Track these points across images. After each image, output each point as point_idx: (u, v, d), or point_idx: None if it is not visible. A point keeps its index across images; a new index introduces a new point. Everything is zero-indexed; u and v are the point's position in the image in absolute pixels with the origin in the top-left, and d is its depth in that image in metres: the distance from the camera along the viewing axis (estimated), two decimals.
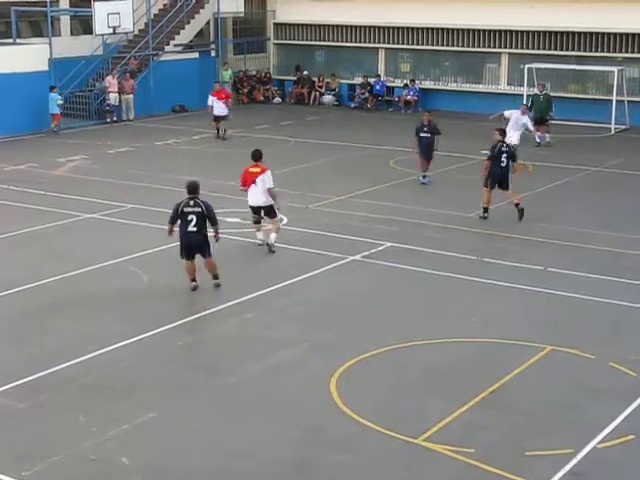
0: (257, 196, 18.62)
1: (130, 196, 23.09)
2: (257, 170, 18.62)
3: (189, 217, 16.04)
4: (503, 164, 20.75)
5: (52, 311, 15.58)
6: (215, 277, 16.56)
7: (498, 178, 20.81)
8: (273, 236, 18.86)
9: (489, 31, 36.98)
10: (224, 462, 10.89)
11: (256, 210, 18.86)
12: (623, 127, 33.42)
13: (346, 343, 14.21)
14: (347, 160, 27.82)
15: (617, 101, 33.18)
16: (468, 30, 37.34)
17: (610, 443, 11.20)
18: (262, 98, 41.26)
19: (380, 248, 18.92)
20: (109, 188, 24.09)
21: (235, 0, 40.05)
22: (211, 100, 31.45)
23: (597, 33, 34.89)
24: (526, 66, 34.73)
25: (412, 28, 38.48)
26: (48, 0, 33.66)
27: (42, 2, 33.84)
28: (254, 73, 42.00)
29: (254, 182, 18.53)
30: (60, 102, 32.67)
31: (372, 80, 39.45)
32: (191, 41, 39.60)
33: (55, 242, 19.72)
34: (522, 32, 36.31)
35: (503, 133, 21.50)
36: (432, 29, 38.09)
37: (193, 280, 16.40)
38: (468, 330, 14.76)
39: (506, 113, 27.51)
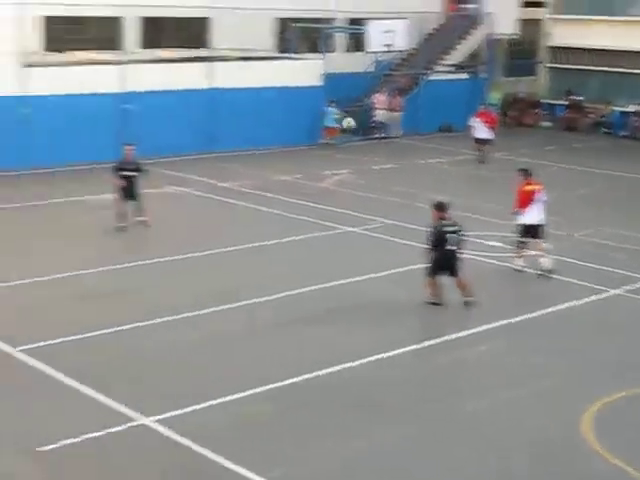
0: (534, 214, 18.34)
1: (391, 212, 23.25)
2: (533, 188, 18.34)
3: (447, 236, 16.13)
4: None
5: (308, 321, 15.86)
6: (467, 296, 16.41)
7: None
8: (547, 261, 18.38)
9: None
10: None
11: (529, 229, 18.41)
12: None
13: (603, 378, 13.62)
14: (613, 190, 26.83)
15: None
16: None
17: None
18: (530, 122, 40.59)
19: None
20: (371, 203, 24.40)
21: (510, 22, 39.59)
22: (473, 121, 31.20)
23: None
24: None
25: None
26: (326, 17, 34.61)
27: (319, 19, 34.85)
28: (523, 96, 41.40)
29: (532, 200, 18.24)
30: (337, 116, 33.86)
31: None
32: (462, 62, 39.55)
33: (314, 253, 20.12)
34: None
35: None
36: None
37: (435, 296, 16.38)
38: None
39: None
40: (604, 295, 17.45)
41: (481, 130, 30.79)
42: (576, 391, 13.25)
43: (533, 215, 18.37)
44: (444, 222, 16.27)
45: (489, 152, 30.97)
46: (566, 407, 12.70)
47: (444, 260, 16.24)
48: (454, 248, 16.22)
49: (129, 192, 20.70)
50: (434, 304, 16.39)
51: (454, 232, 16.20)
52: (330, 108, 33.89)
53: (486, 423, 12.24)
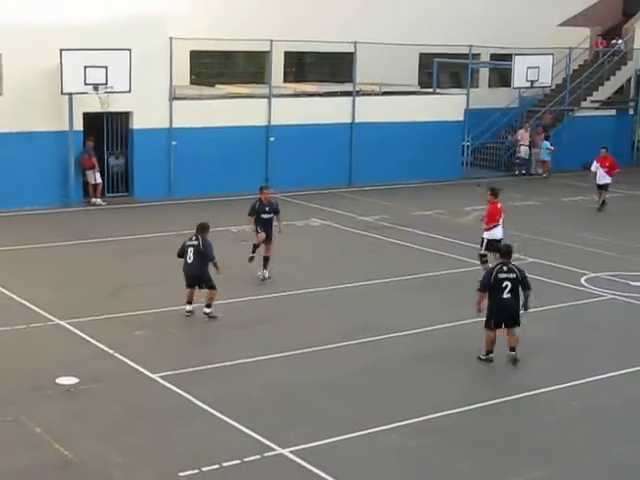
0: (499, 230, 19.92)
1: (532, 250, 22.86)
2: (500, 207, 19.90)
3: (504, 284, 15.06)
4: None
5: (446, 356, 15.71)
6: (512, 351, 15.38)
7: None
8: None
9: None
10: None
11: (494, 244, 19.21)
12: None
13: None
14: None
15: None
16: None
17: None
18: None
19: None
20: (510, 241, 23.99)
21: None
22: (595, 167, 29.13)
23: None
24: None
25: None
26: (470, 53, 34.50)
27: (463, 55, 34.75)
28: None
29: (500, 217, 19.93)
30: (551, 149, 34.73)
31: None
32: (609, 98, 38.76)
33: (452, 289, 19.92)
34: None
35: None
36: None
37: (486, 350, 15.44)
38: None
39: None
40: None
41: (602, 176, 28.85)
42: None
43: (499, 231, 19.74)
44: (501, 267, 15.10)
45: (606, 200, 28.95)
46: None
47: (497, 309, 15.15)
48: (509, 296, 15.04)
49: (267, 234, 19.78)
50: (481, 359, 15.37)
51: (510, 279, 14.99)
52: (544, 142, 34.83)
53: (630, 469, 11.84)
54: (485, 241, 19.95)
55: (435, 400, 13.74)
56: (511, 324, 15.20)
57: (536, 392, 14.17)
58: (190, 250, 17.06)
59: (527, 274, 15.44)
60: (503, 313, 15.13)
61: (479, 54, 36.87)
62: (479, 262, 19.98)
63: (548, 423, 13.19)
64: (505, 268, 15.09)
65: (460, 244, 23.28)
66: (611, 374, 14.98)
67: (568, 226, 26.07)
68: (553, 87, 37.29)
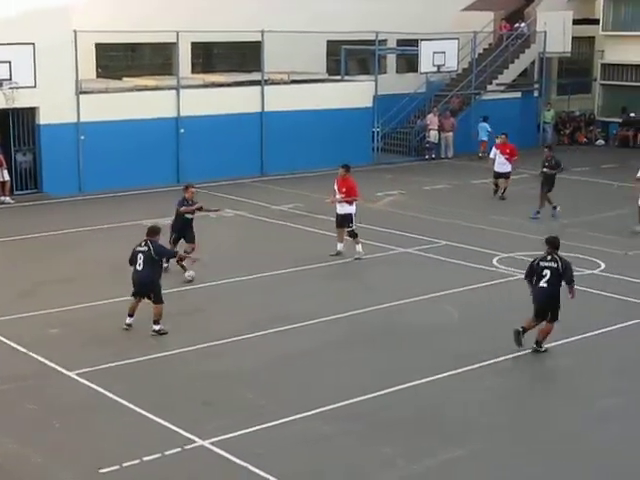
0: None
1: (444, 233, 23.19)
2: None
3: (544, 272, 15.15)
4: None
5: (362, 341, 15.89)
6: (539, 342, 15.36)
7: None
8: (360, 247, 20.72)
9: None
10: None
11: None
12: None
13: None
14: None
15: None
16: None
17: None
18: (585, 140, 40.29)
19: None
20: (424, 224, 24.36)
21: (562, 40, 39.32)
22: (494, 153, 28.34)
23: None
24: None
25: None
26: (376, 39, 34.72)
27: (370, 41, 34.95)
28: (577, 114, 41.13)
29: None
30: (490, 131, 34.76)
31: None
32: (514, 80, 39.40)
33: (368, 274, 20.18)
34: None
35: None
36: None
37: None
38: None
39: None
40: None
41: (502, 163, 27.84)
42: None
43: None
44: (545, 256, 15.19)
45: (506, 188, 28.25)
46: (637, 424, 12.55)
47: (534, 297, 15.26)
48: (545, 286, 15.08)
49: (187, 233, 19.53)
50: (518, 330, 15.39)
51: (550, 268, 15.02)
52: (483, 124, 35.30)
53: (553, 439, 12.14)
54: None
55: (354, 385, 13.87)
56: (541, 317, 15.17)
57: (451, 373, 14.40)
58: (140, 257, 15.93)
59: (572, 267, 15.28)
60: (535, 302, 15.18)
61: (386, 40, 37.09)
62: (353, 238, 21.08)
63: (464, 402, 13.42)
64: (549, 257, 15.11)
65: (372, 229, 23.46)
66: (519, 353, 15.28)
67: (478, 208, 26.48)
68: (459, 71, 37.74)
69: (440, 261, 20.92)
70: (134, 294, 16.14)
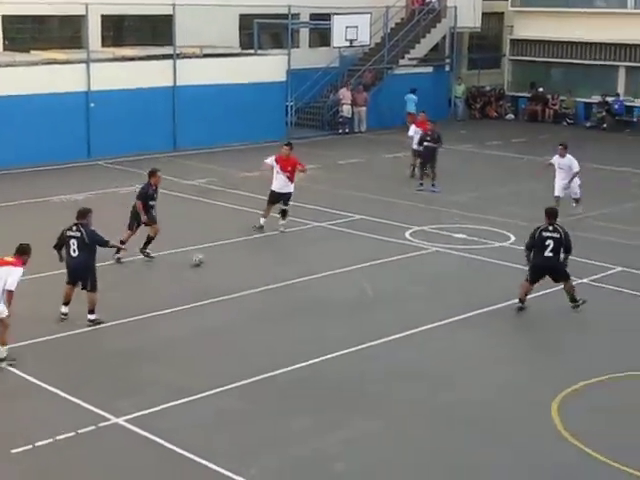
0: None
1: (358, 207, 23.33)
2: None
3: (547, 242, 15.86)
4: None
5: (278, 315, 15.95)
6: (572, 301, 16.21)
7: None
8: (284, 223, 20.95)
9: None
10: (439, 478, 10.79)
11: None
12: None
13: (568, 368, 13.80)
14: (583, 181, 27.02)
15: None
16: None
17: None
18: (495, 114, 40.85)
19: (610, 272, 18.29)
20: (338, 198, 24.46)
21: (473, 15, 39.76)
22: (413, 131, 27.35)
23: None
24: None
25: None
26: (289, 13, 34.61)
27: (283, 15, 34.83)
28: (487, 89, 41.65)
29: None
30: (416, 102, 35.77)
31: (610, 99, 38.23)
32: (426, 55, 39.69)
33: (284, 248, 20.23)
34: None
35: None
36: None
37: (521, 298, 16.27)
38: None
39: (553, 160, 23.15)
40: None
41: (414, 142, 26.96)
42: (547, 380, 13.38)
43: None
44: (546, 227, 15.96)
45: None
46: (534, 396, 12.83)
47: (539, 265, 15.96)
48: (550, 255, 15.82)
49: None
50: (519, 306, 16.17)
51: (553, 238, 15.80)
52: (410, 95, 36.07)
53: (461, 413, 12.34)
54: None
55: (271, 359, 13.93)
56: (557, 278, 16.10)
57: (366, 345, 14.54)
58: (73, 242, 15.10)
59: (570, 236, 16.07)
60: (545, 270, 15.94)
61: (299, 14, 37.00)
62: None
63: (378, 375, 13.57)
64: (550, 228, 15.90)
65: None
66: (431, 325, 15.50)
67: (391, 182, 26.68)
68: (372, 46, 37.90)
69: (354, 235, 21.05)
70: (68, 281, 15.33)
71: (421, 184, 25.61)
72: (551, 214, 16.18)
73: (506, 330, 15.50)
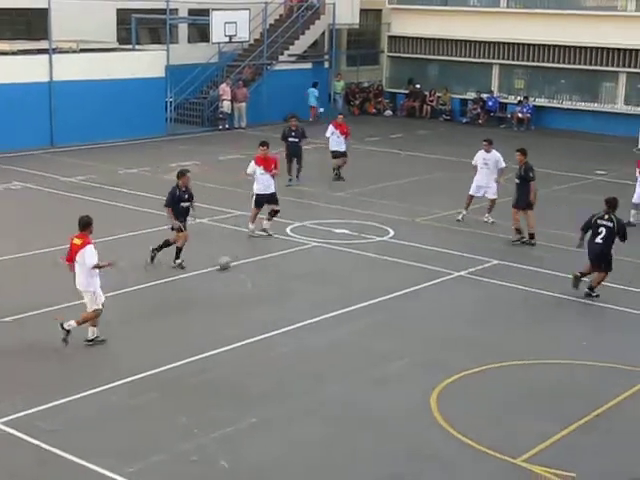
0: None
1: (239, 203, 23.30)
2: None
3: (600, 229, 16.66)
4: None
5: (166, 312, 15.85)
6: (593, 288, 16.94)
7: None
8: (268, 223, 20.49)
9: (608, 49, 36.27)
10: (318, 474, 10.91)
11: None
12: None
13: (449, 359, 14.10)
14: (457, 175, 27.57)
15: None
16: (585, 48, 36.70)
17: None
18: (374, 110, 41.34)
19: (486, 265, 18.74)
20: (219, 194, 24.41)
21: (351, 12, 40.20)
22: (330, 131, 26.84)
23: None
24: None
25: (527, 44, 38.02)
26: (167, 8, 34.36)
27: (161, 10, 34.55)
28: (366, 85, 42.12)
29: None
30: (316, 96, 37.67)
31: (485, 96, 39.15)
32: (305, 51, 39.92)
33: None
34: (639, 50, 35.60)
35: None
36: (548, 46, 37.56)
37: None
38: (576, 353, 14.49)
39: (473, 161, 22.52)
40: (445, 278, 17.99)
41: (340, 142, 26.66)
42: (427, 371, 13.66)
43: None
44: (602, 215, 16.74)
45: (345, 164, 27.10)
46: (415, 387, 13.10)
47: (589, 250, 16.83)
48: (599, 242, 16.58)
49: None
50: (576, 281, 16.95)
51: (606, 227, 16.57)
52: (312, 89, 37.12)
53: (341, 407, 12.51)
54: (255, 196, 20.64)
55: (156, 355, 13.87)
56: (596, 267, 16.77)
57: (248, 341, 14.59)
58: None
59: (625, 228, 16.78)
60: (590, 254, 16.79)
61: (177, 9, 36.78)
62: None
63: (261, 369, 13.65)
64: (606, 217, 16.69)
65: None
66: (317, 319, 15.66)
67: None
68: (252, 42, 37.94)
69: (236, 231, 21.06)
70: None
71: (290, 179, 25.73)
72: (610, 204, 16.82)
73: (386, 323, 15.75)
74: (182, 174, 18.40)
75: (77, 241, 14.24)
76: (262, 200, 20.50)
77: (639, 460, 11.25)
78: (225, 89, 35.80)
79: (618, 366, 13.93)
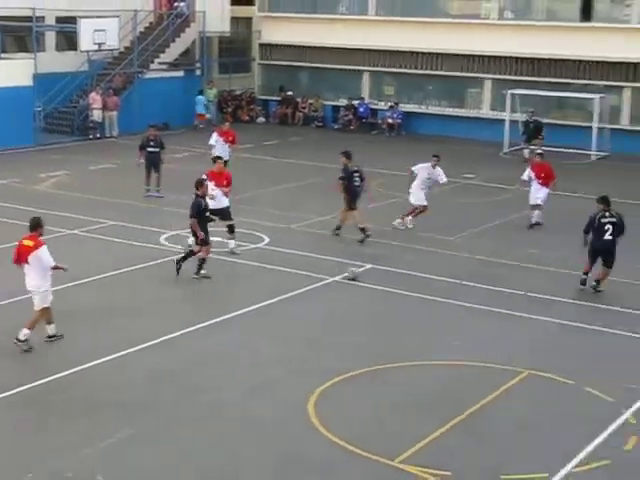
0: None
1: (111, 213, 23.06)
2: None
3: (606, 227, 17.57)
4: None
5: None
6: (599, 285, 17.82)
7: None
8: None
9: (473, 56, 37.21)
10: None
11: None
12: (604, 154, 33.68)
13: (326, 363, 14.25)
14: (330, 181, 27.82)
15: (598, 128, 33.43)
16: (452, 55, 37.55)
17: (585, 468, 11.28)
18: (246, 118, 41.39)
19: (361, 270, 18.98)
20: (90, 205, 24.06)
21: (221, 20, 40.18)
22: (215, 139, 26.98)
23: (580, 61, 35.15)
24: (508, 92, 34.98)
25: (396, 52, 38.67)
26: (34, 15, 33.69)
27: (27, 18, 33.85)
28: (239, 93, 42.14)
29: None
30: (206, 103, 38.78)
31: (356, 102, 39.64)
32: (176, 59, 39.69)
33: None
34: (506, 58, 36.55)
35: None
36: (417, 53, 38.29)
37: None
38: (449, 353, 14.83)
39: (415, 168, 22.97)
40: (319, 283, 18.17)
41: (223, 150, 26.27)
42: (304, 376, 13.77)
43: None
44: (604, 213, 17.64)
45: None
46: (293, 392, 13.20)
47: (597, 248, 17.65)
48: (609, 238, 17.54)
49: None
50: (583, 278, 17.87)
51: (612, 223, 17.55)
52: (200, 97, 37.92)
53: (217, 417, 12.51)
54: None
55: (31, 369, 13.65)
56: (608, 261, 17.69)
57: (122, 353, 14.45)
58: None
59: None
60: (599, 252, 17.68)
61: (44, 17, 36.06)
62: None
63: (137, 381, 13.53)
64: (607, 214, 17.64)
65: (39, 212, 22.86)
66: (191, 328, 15.62)
67: (130, 185, 26.17)
68: (122, 50, 37.52)
69: (107, 241, 20.81)
70: None
71: (147, 190, 25.54)
72: (607, 201, 17.75)
73: (262, 330, 15.80)
74: (201, 183, 18.42)
75: (28, 242, 14.37)
76: (216, 214, 19.41)
77: (510, 456, 11.59)
78: (95, 98, 35.32)
79: (489, 365, 14.32)
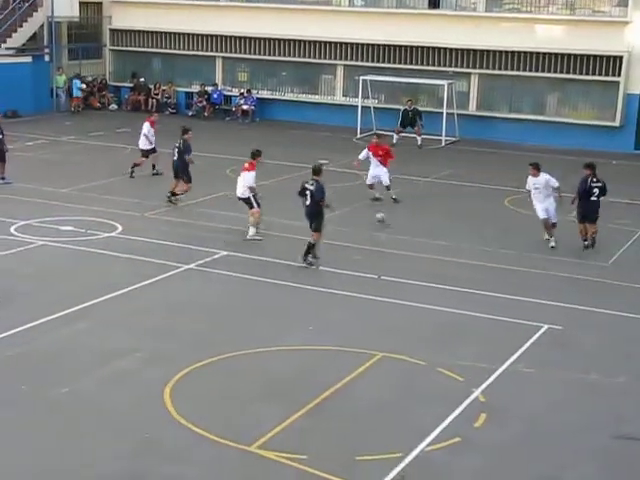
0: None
1: None
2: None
3: (594, 190, 20.00)
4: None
5: None
6: (592, 240, 20.33)
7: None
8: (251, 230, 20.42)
9: (325, 42, 37.49)
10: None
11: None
12: (453, 139, 34.50)
13: (180, 352, 14.19)
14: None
15: (447, 114, 34.21)
16: (305, 41, 37.77)
17: (437, 446, 11.58)
18: (98, 105, 40.65)
19: (215, 257, 18.96)
20: None
21: (70, 4, 39.26)
22: (148, 129, 26.76)
23: (429, 47, 35.87)
24: (360, 78, 35.41)
25: (249, 38, 38.66)
26: None
27: None
28: (90, 79, 41.33)
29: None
30: (82, 87, 39.27)
31: (209, 89, 39.43)
32: (24, 45, 38.63)
33: None
34: (357, 44, 36.96)
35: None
36: (269, 39, 38.37)
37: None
38: (303, 338, 14.97)
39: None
40: (174, 271, 18.07)
41: (149, 142, 26.66)
42: (159, 365, 13.69)
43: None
44: (592, 178, 19.93)
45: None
46: (147, 384, 13.10)
47: (585, 209, 19.97)
48: (595, 199, 19.95)
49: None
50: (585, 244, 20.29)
51: (598, 187, 19.94)
52: (76, 80, 38.37)
53: (70, 409, 12.32)
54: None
55: None
56: (594, 220, 20.19)
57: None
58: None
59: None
60: (587, 212, 20.10)
61: None
62: None
63: None
64: (595, 179, 20.08)
65: None
66: (43, 319, 15.31)
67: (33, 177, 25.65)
68: None
69: None
70: None
71: (2, 178, 24.95)
72: (594, 167, 20.16)
73: (115, 319, 15.60)
74: (320, 170, 18.96)
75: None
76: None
77: (365, 438, 11.80)
78: None
79: (344, 349, 14.52)
